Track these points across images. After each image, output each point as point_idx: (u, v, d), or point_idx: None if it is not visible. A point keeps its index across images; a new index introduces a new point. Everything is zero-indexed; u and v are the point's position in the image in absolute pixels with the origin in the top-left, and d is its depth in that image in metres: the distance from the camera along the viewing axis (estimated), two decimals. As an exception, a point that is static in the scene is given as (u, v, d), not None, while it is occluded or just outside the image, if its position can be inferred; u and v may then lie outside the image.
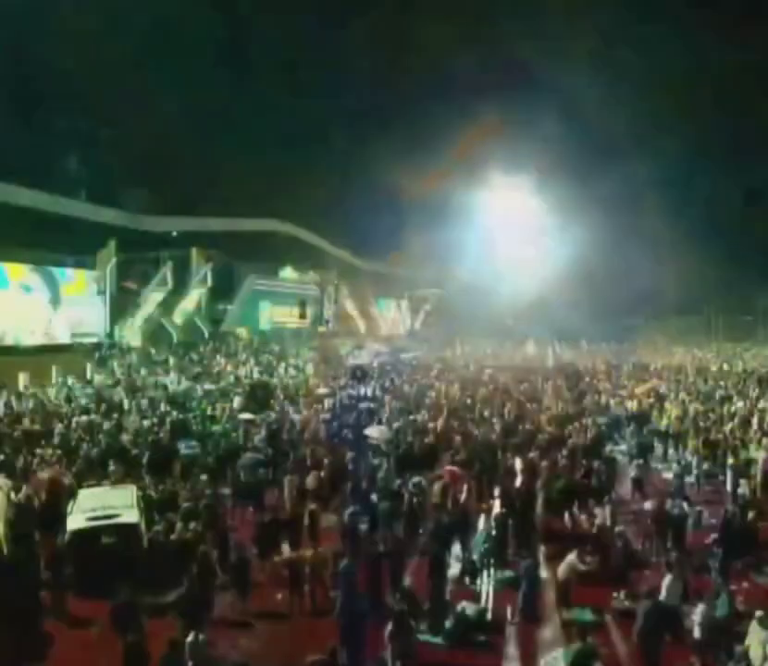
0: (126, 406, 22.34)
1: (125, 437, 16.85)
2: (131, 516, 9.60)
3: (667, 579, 8.07)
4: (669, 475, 14.42)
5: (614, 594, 9.00)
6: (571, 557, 8.85)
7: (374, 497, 12.00)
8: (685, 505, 11.08)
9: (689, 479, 14.33)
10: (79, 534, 9.15)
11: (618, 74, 63.90)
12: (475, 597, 9.35)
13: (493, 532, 10.08)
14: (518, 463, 14.37)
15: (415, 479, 12.86)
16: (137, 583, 8.06)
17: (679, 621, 7.67)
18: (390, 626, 7.25)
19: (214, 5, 48.34)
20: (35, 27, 35.02)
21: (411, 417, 20.63)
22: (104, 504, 9.90)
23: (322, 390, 27.81)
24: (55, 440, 16.27)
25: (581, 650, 6.83)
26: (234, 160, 56.97)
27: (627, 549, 10.07)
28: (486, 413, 21.36)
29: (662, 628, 7.29)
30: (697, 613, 7.40)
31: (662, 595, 7.84)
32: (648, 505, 11.38)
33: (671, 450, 16.44)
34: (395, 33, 61.39)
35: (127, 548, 9.08)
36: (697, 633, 7.36)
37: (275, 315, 50.75)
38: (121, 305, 36.66)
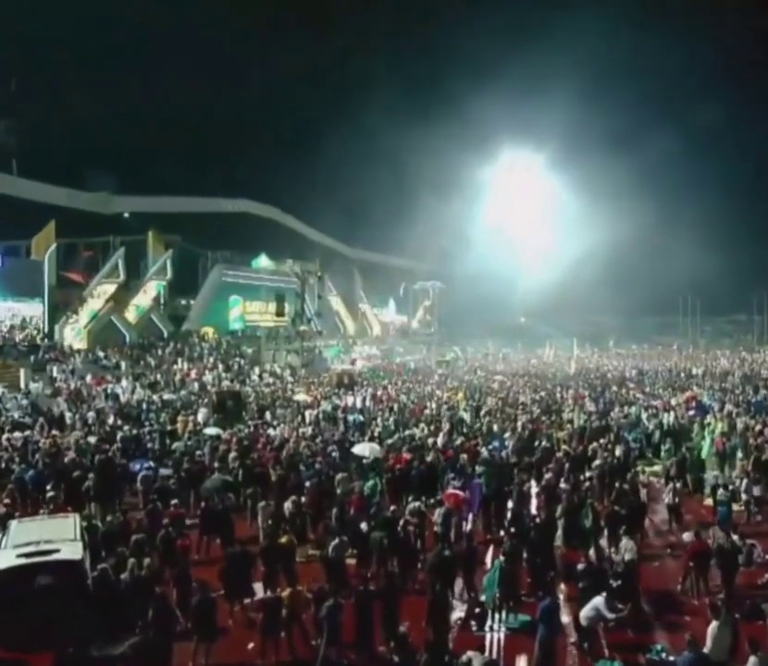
0: (68, 420, 22.19)
1: (67, 457, 16.70)
2: (73, 552, 9.45)
3: (712, 627, 8.02)
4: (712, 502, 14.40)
5: (650, 645, 8.98)
6: (597, 600, 8.80)
7: (364, 525, 11.95)
8: (733, 538, 11.06)
9: (737, 507, 14.39)
10: (9, 573, 8.99)
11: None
12: (482, 645, 9.30)
13: (504, 567, 10.03)
14: (534, 487, 14.35)
15: (413, 505, 12.82)
16: (81, 631, 7.95)
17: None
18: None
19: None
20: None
21: (407, 432, 20.64)
22: (40, 537, 9.74)
23: (303, 400, 27.75)
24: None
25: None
26: (199, 130, 57.16)
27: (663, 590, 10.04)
28: (495, 428, 21.38)
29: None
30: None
31: (707, 646, 7.79)
32: (687, 537, 11.35)
33: (715, 472, 16.47)
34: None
35: (68, 589, 8.94)
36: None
37: (247, 312, 50.69)
38: (63, 300, 36.39)
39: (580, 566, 9.70)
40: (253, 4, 61.06)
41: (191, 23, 54.68)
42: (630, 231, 58.49)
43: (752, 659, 7.36)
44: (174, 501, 12.78)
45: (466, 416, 23.93)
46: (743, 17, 69.21)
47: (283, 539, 11.03)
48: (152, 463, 15.89)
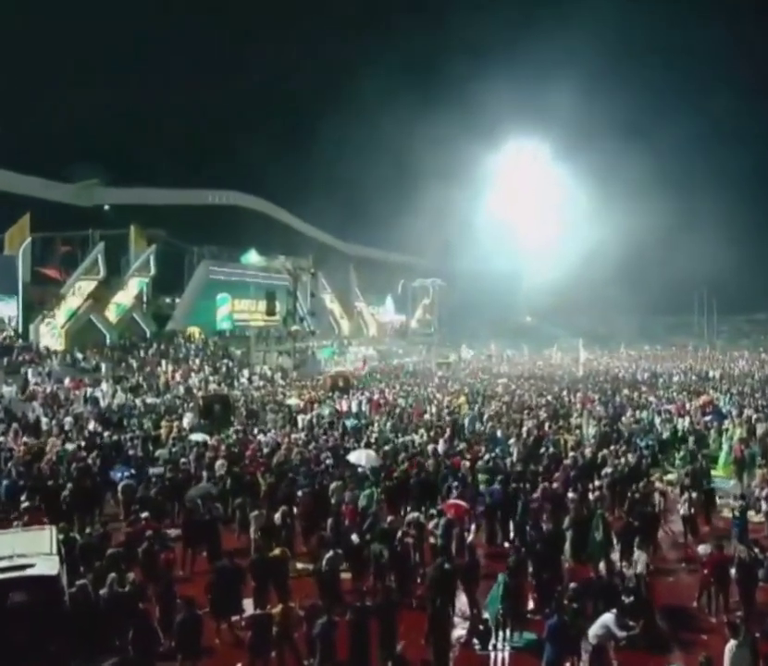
0: (44, 425, 22.12)
1: (43, 465, 16.65)
2: (49, 566, 9.38)
3: (730, 646, 8.00)
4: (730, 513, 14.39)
5: (664, 665, 8.96)
6: (607, 617, 8.77)
7: (355, 537, 11.94)
8: (755, 551, 11.04)
9: (757, 518, 14.37)
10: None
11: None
12: (486, 664, 9.28)
13: (508, 582, 10.00)
14: (540, 496, 14.35)
15: (412, 516, 12.82)
16: (58, 652, 7.88)
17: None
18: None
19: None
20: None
21: (406, 438, 20.65)
22: (13, 551, 9.65)
23: (295, 404, 27.74)
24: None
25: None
26: (186, 119, 57.15)
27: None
28: (499, 434, 21.37)
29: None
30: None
31: (726, 666, 7.77)
32: (703, 549, 11.33)
33: (733, 481, 16.47)
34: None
35: (43, 607, 8.87)
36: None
37: (236, 311, 50.64)
38: (38, 298, 36.26)
39: (573, 585, 9.64)
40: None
41: (177, 8, 54.56)
42: (643, 225, 58.17)
43: None
44: (144, 514, 12.68)
45: (468, 421, 23.92)
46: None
47: (276, 552, 10.99)
48: (133, 471, 15.84)
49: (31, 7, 42.98)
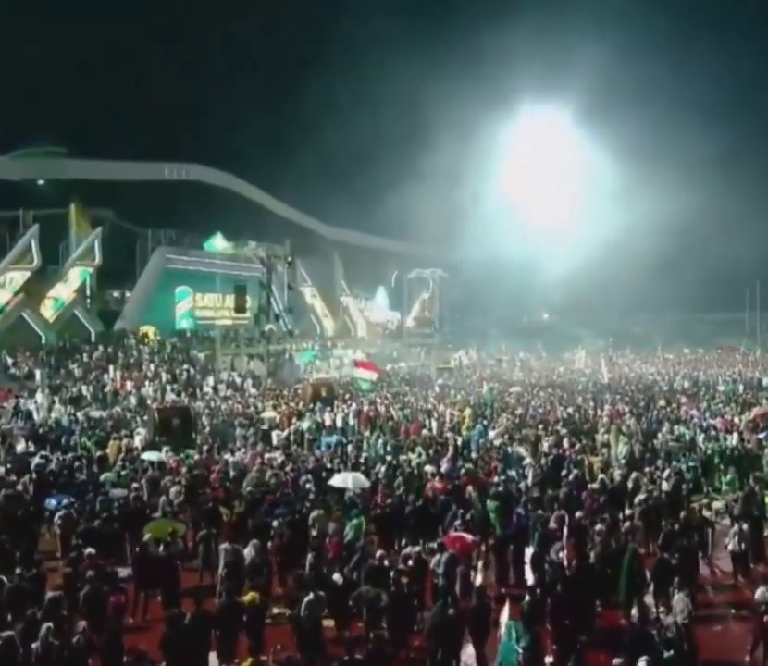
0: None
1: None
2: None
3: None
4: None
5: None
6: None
7: (345, 576, 11.91)
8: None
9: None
10: None
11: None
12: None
13: (523, 629, 9.99)
14: (558, 527, 14.32)
15: (408, 550, 12.83)
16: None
17: None
18: None
19: None
20: None
21: (401, 458, 20.66)
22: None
23: (270, 418, 27.75)
24: None
25: None
26: (140, 80, 56.89)
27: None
28: (510, 451, 21.41)
29: None
30: None
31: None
32: (760, 594, 11.31)
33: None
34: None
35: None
36: None
37: (199, 308, 50.67)
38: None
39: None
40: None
41: None
42: (683, 207, 57.23)
43: None
44: (88, 551, 12.59)
45: (475, 438, 23.99)
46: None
47: (246, 597, 10.94)
48: (73, 499, 15.72)
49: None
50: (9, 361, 33.80)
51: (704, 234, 63.83)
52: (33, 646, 9.22)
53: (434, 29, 75.97)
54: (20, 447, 22.06)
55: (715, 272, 67.67)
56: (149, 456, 20.54)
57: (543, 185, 71.13)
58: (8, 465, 19.31)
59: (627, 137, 64.95)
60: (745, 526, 14.21)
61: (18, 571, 11.95)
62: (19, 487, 16.55)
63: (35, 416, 26.90)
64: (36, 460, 19.59)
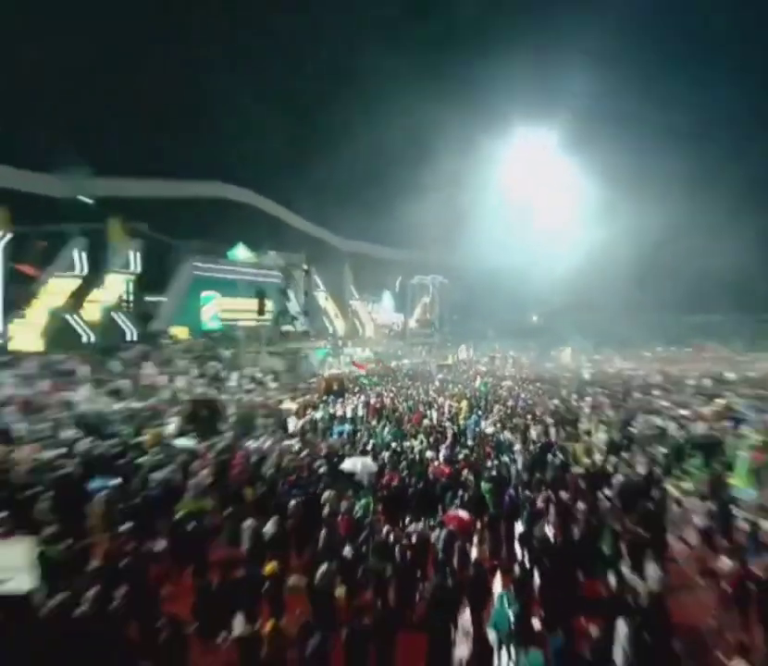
0: (20, 431, 22.06)
1: (17, 474, 16.63)
2: (24, 582, 9.40)
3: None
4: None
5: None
6: (622, 628, 8.86)
7: (355, 550, 11.95)
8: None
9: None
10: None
11: None
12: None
13: (513, 599, 10.03)
14: (546, 506, 14.36)
15: (411, 527, 12.86)
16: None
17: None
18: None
19: None
20: None
21: (405, 444, 20.71)
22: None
23: (288, 409, 27.75)
24: None
25: None
26: (172, 104, 57.08)
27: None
28: (502, 439, 21.46)
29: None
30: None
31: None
32: (723, 565, 11.36)
33: (752, 490, 16.52)
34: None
35: (16, 625, 8.89)
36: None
37: (224, 311, 50.66)
38: (13, 296, 36.21)
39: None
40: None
41: None
42: (661, 218, 57.08)
43: None
44: (127, 527, 12.69)
45: (471, 427, 24.01)
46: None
47: (267, 568, 11.00)
48: (114, 481, 15.81)
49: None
50: (57, 358, 33.90)
51: (678, 246, 63.76)
52: (81, 609, 9.34)
53: (439, 63, 76.34)
54: (68, 434, 22.11)
55: (687, 279, 68.17)
56: (181, 442, 20.67)
57: (535, 200, 71.11)
58: (59, 450, 19.38)
59: (608, 158, 65.49)
60: (713, 505, 14.23)
61: (67, 543, 12.10)
62: (68, 469, 16.62)
63: (81, 407, 27.01)
64: (82, 445, 19.76)
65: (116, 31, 50.73)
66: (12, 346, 34.10)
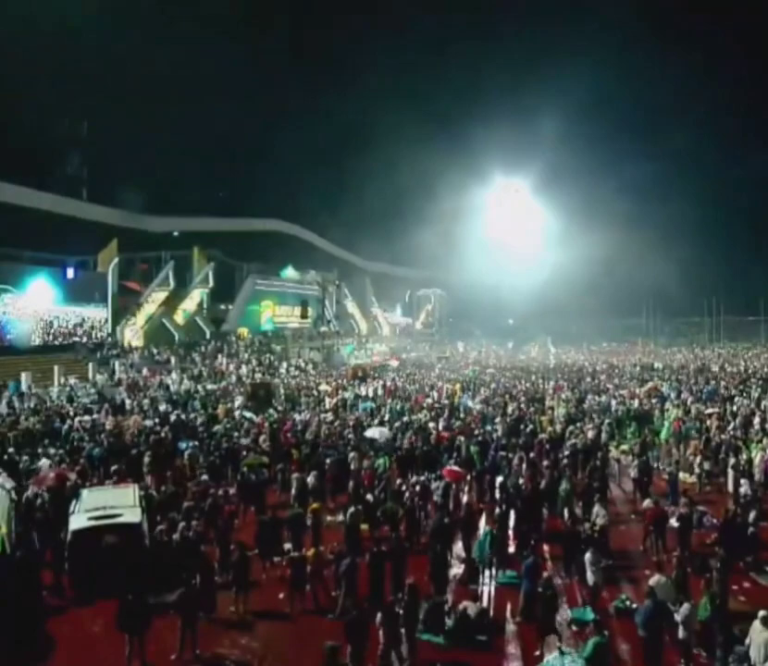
0: (128, 406, 22.37)
1: (127, 437, 16.89)
2: (134, 516, 9.60)
3: (654, 579, 8.11)
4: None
5: (617, 595, 9.03)
6: (587, 556, 8.89)
7: (375, 496, 11.99)
8: (685, 505, 11.05)
9: (691, 479, 14.39)
10: (81, 533, 9.16)
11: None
12: (476, 596, 9.35)
13: (494, 532, 10.07)
14: (520, 463, 14.40)
15: (417, 479, 12.88)
16: (140, 582, 8.07)
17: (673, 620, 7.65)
18: (378, 617, 7.32)
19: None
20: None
21: (413, 417, 20.64)
22: (106, 504, 9.90)
23: (324, 390, 27.82)
24: (58, 440, 16.31)
25: (599, 643, 6.86)
26: (238, 160, 57.50)
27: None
28: (486, 413, 21.36)
29: (663, 626, 7.31)
30: (681, 614, 7.40)
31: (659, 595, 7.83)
32: (646, 505, 11.38)
33: (673, 450, 16.43)
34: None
35: (129, 547, 9.08)
36: (681, 633, 7.37)
37: (276, 315, 50.76)
38: (123, 305, 36.71)
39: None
40: (277, 38, 59.67)
41: (227, 51, 52.61)
42: (602, 245, 58.89)
43: (685, 606, 7.43)
44: (205, 477, 12.84)
45: (463, 404, 23.94)
46: (715, 47, 69.23)
47: (314, 505, 11.12)
48: (196, 442, 15.98)
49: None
50: (155, 351, 34.28)
51: (617, 266, 65.24)
52: (174, 537, 9.53)
53: (440, 126, 76.94)
54: (162, 407, 22.30)
55: (624, 291, 70.20)
56: (246, 414, 20.74)
57: (510, 232, 71.29)
58: (155, 419, 19.61)
59: (566, 201, 67.17)
60: (642, 461, 14.20)
61: (162, 488, 12.31)
62: (162, 434, 16.80)
63: (172, 388, 27.21)
64: (173, 416, 19.93)
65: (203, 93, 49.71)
66: (122, 342, 34.57)
